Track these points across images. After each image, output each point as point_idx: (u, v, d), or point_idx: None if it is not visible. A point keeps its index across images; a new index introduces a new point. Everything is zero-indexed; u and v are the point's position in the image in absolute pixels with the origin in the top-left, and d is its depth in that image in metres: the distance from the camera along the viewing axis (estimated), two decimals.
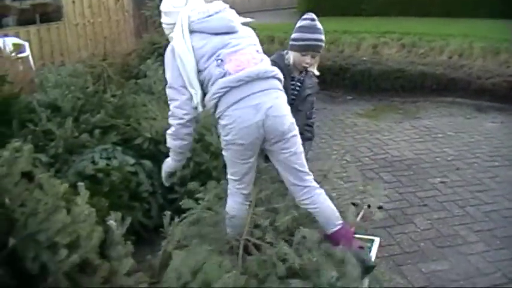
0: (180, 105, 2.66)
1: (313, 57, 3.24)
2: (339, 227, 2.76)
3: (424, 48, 8.78)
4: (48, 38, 9.04)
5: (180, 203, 3.06)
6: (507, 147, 5.52)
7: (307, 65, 3.25)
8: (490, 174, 4.79)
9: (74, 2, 9.32)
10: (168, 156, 2.92)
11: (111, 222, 2.43)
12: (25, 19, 9.25)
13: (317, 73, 3.42)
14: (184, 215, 2.92)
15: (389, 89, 7.71)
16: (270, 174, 3.10)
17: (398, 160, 5.25)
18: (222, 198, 3.02)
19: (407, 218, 4.01)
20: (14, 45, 7.10)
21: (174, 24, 2.74)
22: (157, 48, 6.20)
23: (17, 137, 3.46)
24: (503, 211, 4.07)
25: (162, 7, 2.84)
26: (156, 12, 6.55)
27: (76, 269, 2.12)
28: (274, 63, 3.19)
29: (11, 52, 6.34)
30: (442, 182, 4.65)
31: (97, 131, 4.02)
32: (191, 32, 2.66)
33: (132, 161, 3.73)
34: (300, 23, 3.24)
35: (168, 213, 2.93)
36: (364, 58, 8.36)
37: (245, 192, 2.83)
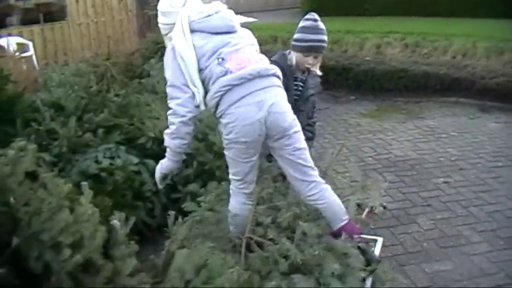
0: (182, 103, 2.66)
1: (315, 57, 3.25)
2: (345, 221, 2.77)
3: (428, 48, 8.76)
4: (51, 37, 9.05)
5: (183, 206, 3.07)
6: (511, 148, 5.50)
7: (309, 66, 3.26)
8: (493, 175, 4.78)
9: (77, 1, 9.32)
10: (163, 157, 2.91)
11: (115, 222, 2.43)
12: (29, 18, 9.26)
13: (320, 73, 3.43)
14: (186, 218, 2.93)
15: (392, 89, 7.69)
16: (272, 173, 3.11)
17: (401, 160, 5.24)
18: (223, 199, 3.03)
19: (410, 218, 4.00)
20: (18, 44, 7.11)
21: (172, 24, 2.76)
22: (161, 47, 6.19)
23: (21, 136, 3.47)
24: (507, 211, 4.05)
25: (160, 7, 2.85)
26: None
27: (79, 268, 2.12)
28: (276, 63, 3.20)
29: (15, 51, 6.35)
30: (445, 182, 4.64)
31: (100, 131, 4.03)
32: (191, 31, 2.68)
33: (135, 160, 3.73)
34: (302, 24, 3.24)
35: (172, 213, 2.93)
36: (368, 58, 8.34)
37: (247, 191, 2.84)
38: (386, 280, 2.54)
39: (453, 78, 7.43)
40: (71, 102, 4.22)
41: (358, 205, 3.57)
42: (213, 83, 2.63)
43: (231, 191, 2.90)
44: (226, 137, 2.68)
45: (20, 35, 8.27)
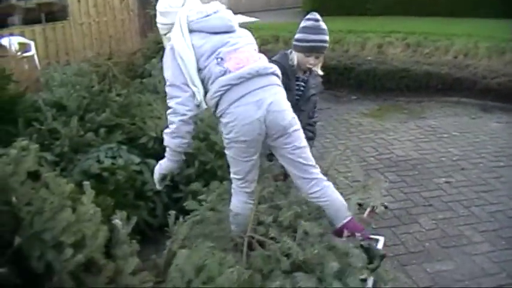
0: (183, 101, 2.66)
1: (317, 57, 3.24)
2: (348, 219, 2.77)
3: (429, 47, 8.75)
4: (53, 37, 9.06)
5: (184, 204, 3.07)
6: None
7: (311, 66, 3.26)
8: (495, 175, 4.77)
9: (79, 1, 9.33)
10: (161, 158, 2.90)
11: (117, 222, 2.43)
12: (30, 18, 9.26)
13: (321, 73, 3.43)
14: (187, 216, 2.93)
15: (394, 89, 7.68)
16: (273, 172, 3.11)
17: (403, 160, 5.24)
18: (224, 198, 3.03)
19: (412, 218, 4.00)
20: (20, 44, 7.10)
21: (171, 24, 2.77)
22: (162, 47, 6.12)
23: (23, 135, 3.47)
24: (509, 211, 4.05)
25: (159, 7, 2.86)
26: None
27: (81, 268, 2.12)
28: (278, 63, 3.20)
29: (17, 51, 6.35)
30: (447, 182, 4.64)
31: (102, 130, 4.03)
32: (190, 31, 2.69)
33: (137, 160, 3.74)
34: (303, 24, 3.23)
35: (173, 212, 2.93)
36: (369, 58, 8.33)
37: (248, 190, 2.84)
38: (388, 280, 2.54)
39: (455, 78, 7.42)
40: (72, 102, 4.23)
41: (360, 205, 3.58)
42: (212, 83, 2.64)
43: (232, 191, 2.90)
44: (227, 136, 2.69)
45: (22, 34, 8.27)
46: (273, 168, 3.10)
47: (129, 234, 2.47)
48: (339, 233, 2.72)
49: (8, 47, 6.48)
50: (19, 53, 6.26)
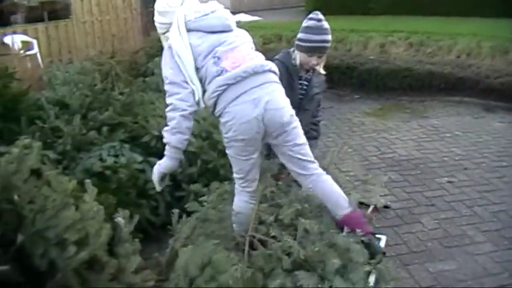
0: (183, 97, 2.66)
1: (319, 57, 3.24)
2: (347, 211, 2.78)
3: (432, 47, 8.73)
4: (56, 35, 9.06)
5: (186, 206, 3.08)
6: None
7: (313, 65, 3.25)
8: (498, 174, 4.77)
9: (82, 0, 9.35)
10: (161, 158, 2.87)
11: (119, 220, 2.44)
12: (33, 17, 9.26)
13: (323, 72, 3.42)
14: (189, 218, 2.93)
15: (396, 88, 7.68)
16: (272, 171, 3.11)
17: (405, 159, 5.23)
18: (225, 198, 3.04)
19: (414, 218, 3.99)
20: (22, 42, 7.12)
21: (169, 24, 2.78)
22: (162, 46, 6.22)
23: (25, 134, 3.47)
24: (511, 211, 4.05)
25: (157, 6, 2.86)
26: None
27: (84, 265, 2.13)
28: (281, 62, 3.21)
29: (20, 49, 6.37)
30: (449, 182, 4.63)
31: (105, 129, 4.04)
32: (188, 30, 2.70)
33: (139, 158, 3.74)
34: (306, 23, 3.22)
35: (176, 211, 2.93)
36: (372, 57, 8.33)
37: (249, 189, 2.86)
38: (390, 280, 2.54)
39: (458, 78, 7.42)
40: (75, 100, 4.23)
41: (363, 203, 3.59)
42: (209, 83, 2.66)
43: (235, 190, 2.91)
44: (226, 135, 2.71)
45: (25, 33, 8.28)
46: (272, 167, 3.10)
47: (131, 232, 2.48)
48: (340, 225, 2.74)
49: (10, 45, 6.50)
50: (22, 51, 6.29)
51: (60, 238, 2.07)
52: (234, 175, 2.88)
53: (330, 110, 7.04)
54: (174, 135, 2.70)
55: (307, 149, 2.83)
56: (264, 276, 2.36)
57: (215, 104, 2.67)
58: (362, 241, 2.58)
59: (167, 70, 2.71)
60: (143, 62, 6.50)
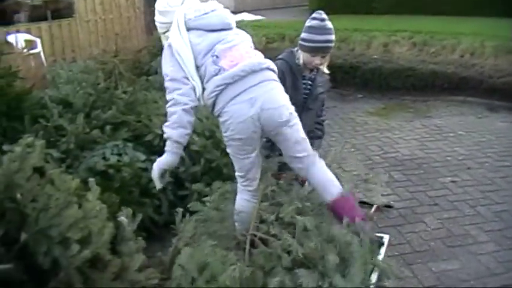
0: (184, 92, 2.67)
1: (323, 57, 3.23)
2: (336, 195, 2.80)
3: (436, 46, 8.73)
4: (59, 34, 9.06)
5: (188, 206, 3.08)
6: None
7: (317, 65, 3.25)
8: (501, 174, 4.76)
9: None
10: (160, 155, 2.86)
11: (122, 219, 2.44)
12: (37, 15, 9.27)
13: (327, 71, 3.42)
14: (191, 217, 2.94)
15: (400, 88, 7.68)
16: (272, 170, 3.12)
17: (408, 159, 5.23)
18: (227, 197, 3.05)
19: (417, 217, 3.99)
20: (26, 41, 7.14)
21: (169, 23, 2.80)
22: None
23: (29, 132, 3.48)
24: None
25: (158, 6, 2.87)
26: None
27: (87, 264, 2.13)
28: (284, 61, 3.21)
29: (23, 48, 6.38)
30: (452, 182, 4.63)
31: (108, 127, 4.04)
32: (188, 29, 2.72)
33: (143, 157, 3.75)
34: (309, 23, 3.21)
35: (179, 210, 2.93)
36: (375, 56, 8.33)
37: (250, 188, 2.88)
38: (394, 278, 2.53)
39: (461, 77, 7.41)
40: (78, 99, 4.24)
41: (366, 203, 3.58)
42: (207, 82, 2.67)
43: (238, 189, 2.93)
44: (225, 134, 2.74)
45: (28, 31, 8.29)
46: (273, 167, 3.11)
47: (134, 231, 2.48)
48: (332, 211, 2.79)
49: (14, 44, 6.51)
50: (25, 50, 6.30)
51: (63, 236, 2.07)
52: (236, 173, 2.90)
53: (333, 109, 7.04)
54: (176, 129, 2.70)
55: (304, 143, 2.83)
56: (265, 275, 2.37)
57: (214, 104, 2.69)
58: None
59: (167, 68, 2.73)
60: (146, 60, 6.50)
